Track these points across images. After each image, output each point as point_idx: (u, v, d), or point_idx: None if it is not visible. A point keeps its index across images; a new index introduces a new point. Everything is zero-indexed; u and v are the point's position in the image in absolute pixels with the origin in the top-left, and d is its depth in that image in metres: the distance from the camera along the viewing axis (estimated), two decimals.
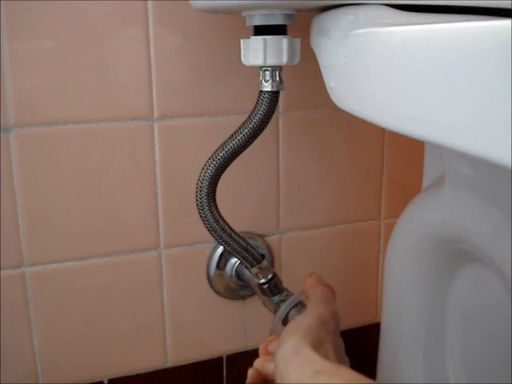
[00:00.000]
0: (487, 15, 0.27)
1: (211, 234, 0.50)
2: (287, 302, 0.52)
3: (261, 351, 0.48)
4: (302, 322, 0.43)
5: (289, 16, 0.44)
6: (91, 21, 0.55)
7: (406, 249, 0.55)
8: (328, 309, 0.45)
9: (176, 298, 0.64)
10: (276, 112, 0.48)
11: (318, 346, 0.40)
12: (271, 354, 0.46)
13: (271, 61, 0.44)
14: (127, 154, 0.59)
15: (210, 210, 0.49)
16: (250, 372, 0.46)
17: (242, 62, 0.46)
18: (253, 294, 0.66)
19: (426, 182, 0.57)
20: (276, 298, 0.53)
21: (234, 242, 0.50)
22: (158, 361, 0.65)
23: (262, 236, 0.66)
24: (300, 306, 0.52)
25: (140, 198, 0.60)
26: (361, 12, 0.36)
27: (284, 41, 0.44)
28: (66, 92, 0.55)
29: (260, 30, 0.44)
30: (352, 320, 0.74)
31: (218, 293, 0.65)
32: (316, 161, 0.67)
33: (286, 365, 0.39)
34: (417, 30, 0.28)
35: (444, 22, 0.26)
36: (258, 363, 0.46)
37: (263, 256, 0.53)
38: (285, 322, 0.52)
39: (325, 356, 0.39)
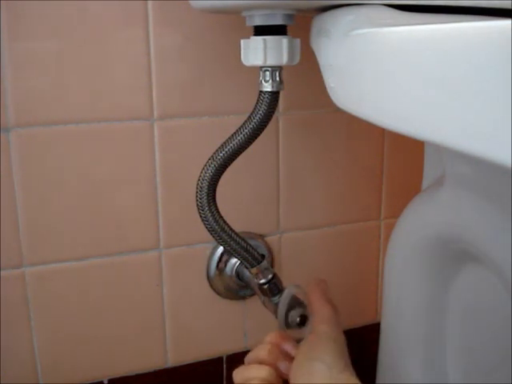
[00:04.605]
0: (487, 15, 0.27)
1: (211, 234, 0.50)
2: (281, 302, 0.52)
3: (271, 340, 0.49)
4: (326, 348, 0.45)
5: (289, 16, 0.44)
6: (91, 21, 0.55)
7: (406, 249, 0.55)
8: (342, 333, 0.47)
9: (176, 298, 0.64)
10: (276, 112, 0.48)
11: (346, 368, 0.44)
12: (283, 350, 0.48)
13: (271, 61, 0.44)
14: (127, 154, 0.59)
15: (210, 210, 0.49)
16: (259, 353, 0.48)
17: (242, 62, 0.46)
18: (253, 294, 0.66)
19: (425, 182, 0.57)
20: (276, 299, 0.53)
21: (233, 242, 0.50)
22: (158, 361, 0.65)
23: (262, 236, 0.66)
24: (298, 306, 0.52)
25: (140, 198, 0.60)
26: (361, 12, 0.36)
27: (284, 41, 0.44)
28: (66, 92, 0.55)
29: (260, 30, 0.44)
30: (352, 320, 0.74)
31: (218, 293, 0.65)
32: (316, 161, 0.67)
33: None
34: (417, 30, 0.28)
35: (444, 22, 0.26)
36: (266, 351, 0.48)
37: (263, 256, 0.53)
38: (286, 322, 0.53)
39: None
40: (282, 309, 0.52)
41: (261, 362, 0.48)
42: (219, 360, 0.68)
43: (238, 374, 0.48)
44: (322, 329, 0.47)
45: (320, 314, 0.49)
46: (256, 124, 0.47)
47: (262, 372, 0.46)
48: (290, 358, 0.48)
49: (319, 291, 0.51)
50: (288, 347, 0.49)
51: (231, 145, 0.47)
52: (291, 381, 0.45)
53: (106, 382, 0.64)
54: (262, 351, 0.48)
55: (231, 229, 0.50)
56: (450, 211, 0.50)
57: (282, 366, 0.47)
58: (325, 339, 0.46)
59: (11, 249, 0.57)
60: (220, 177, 0.49)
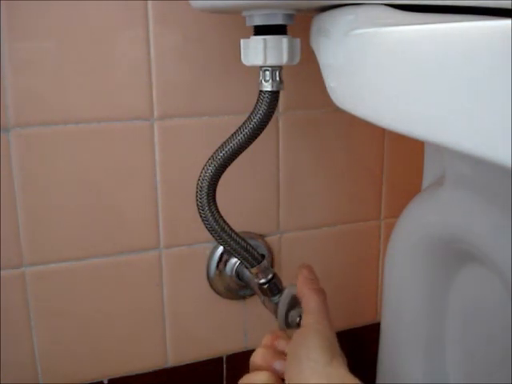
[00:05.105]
0: (487, 15, 0.27)
1: (211, 233, 0.50)
2: (281, 301, 0.52)
3: (265, 343, 0.49)
4: (313, 344, 0.45)
5: (289, 16, 0.44)
6: (91, 21, 0.55)
7: (405, 249, 0.55)
8: (328, 323, 0.47)
9: (176, 298, 0.64)
10: (276, 112, 0.48)
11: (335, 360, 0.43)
12: (277, 350, 0.48)
13: (271, 61, 0.44)
14: (127, 154, 0.59)
15: (210, 210, 0.49)
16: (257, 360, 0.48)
17: (242, 62, 0.46)
18: (253, 294, 0.66)
19: (425, 182, 0.57)
20: (276, 298, 0.53)
21: (233, 242, 0.50)
22: (158, 361, 0.65)
23: (262, 236, 0.66)
24: (298, 306, 0.52)
25: (140, 198, 0.60)
26: (361, 12, 0.36)
27: (284, 41, 0.44)
28: (66, 92, 0.55)
29: (260, 30, 0.44)
30: (352, 320, 0.74)
31: (218, 293, 0.65)
32: (316, 161, 0.67)
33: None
34: (417, 29, 0.28)
35: (444, 22, 0.26)
36: (259, 356, 0.48)
37: (263, 256, 0.53)
38: (286, 322, 0.53)
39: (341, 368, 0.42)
40: (281, 309, 0.52)
41: (258, 368, 0.48)
42: (219, 360, 0.68)
43: (242, 382, 0.48)
44: (308, 321, 0.47)
45: (306, 305, 0.49)
46: (256, 124, 0.47)
47: (261, 377, 0.46)
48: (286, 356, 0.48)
49: (304, 278, 0.51)
50: (283, 345, 0.49)
51: (231, 145, 0.47)
52: (286, 380, 0.45)
53: (105, 382, 0.64)
54: (256, 357, 0.48)
55: (231, 229, 0.50)
56: (450, 211, 0.50)
57: (278, 366, 0.47)
58: (310, 333, 0.45)
59: (11, 249, 0.57)
60: (220, 177, 0.49)
